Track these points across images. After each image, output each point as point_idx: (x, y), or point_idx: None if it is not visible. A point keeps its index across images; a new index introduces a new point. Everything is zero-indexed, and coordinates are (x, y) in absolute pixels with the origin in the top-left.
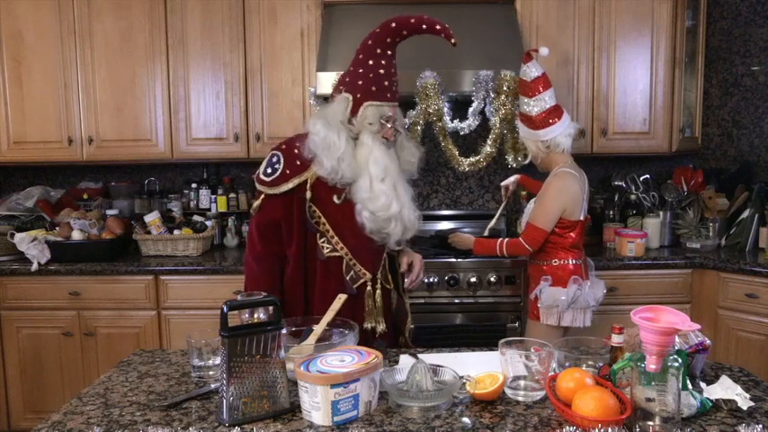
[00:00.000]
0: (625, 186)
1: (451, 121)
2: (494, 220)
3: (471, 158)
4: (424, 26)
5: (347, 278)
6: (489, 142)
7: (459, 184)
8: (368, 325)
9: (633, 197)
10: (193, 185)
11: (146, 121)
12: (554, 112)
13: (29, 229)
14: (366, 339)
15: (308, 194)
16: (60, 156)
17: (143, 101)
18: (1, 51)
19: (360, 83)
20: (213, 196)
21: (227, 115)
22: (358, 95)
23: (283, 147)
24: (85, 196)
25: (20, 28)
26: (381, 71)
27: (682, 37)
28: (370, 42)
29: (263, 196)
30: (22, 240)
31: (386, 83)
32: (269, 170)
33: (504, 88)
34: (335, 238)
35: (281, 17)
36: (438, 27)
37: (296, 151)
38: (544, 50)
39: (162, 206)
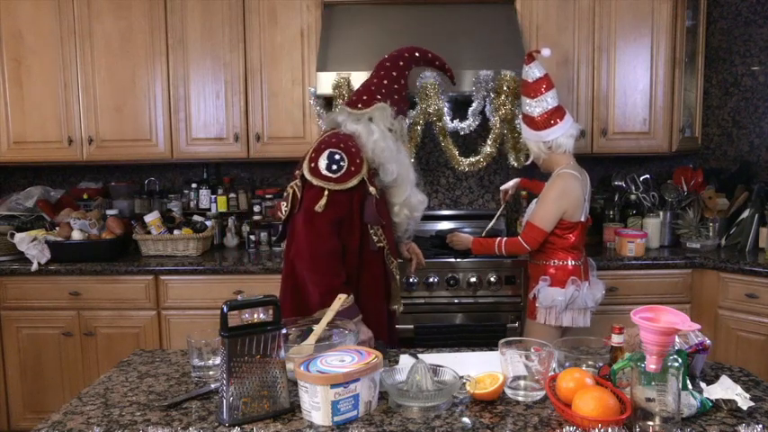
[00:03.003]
0: (625, 186)
1: (451, 121)
2: (492, 223)
3: (471, 158)
4: (437, 63)
5: (389, 264)
6: (489, 142)
7: (459, 184)
8: (395, 306)
9: (633, 197)
10: (193, 185)
11: (146, 121)
12: (556, 113)
13: (29, 229)
14: (391, 321)
15: (373, 190)
16: (60, 156)
17: (143, 101)
18: (1, 51)
19: (395, 97)
20: (213, 196)
21: (227, 115)
22: (395, 108)
23: (341, 145)
24: (85, 196)
25: (20, 28)
26: (404, 93)
27: (682, 37)
28: (401, 63)
29: (326, 192)
30: (22, 240)
31: (404, 104)
32: (334, 167)
33: (504, 88)
34: (380, 229)
35: (281, 17)
36: (447, 66)
37: (353, 150)
38: (546, 51)
39: (162, 206)
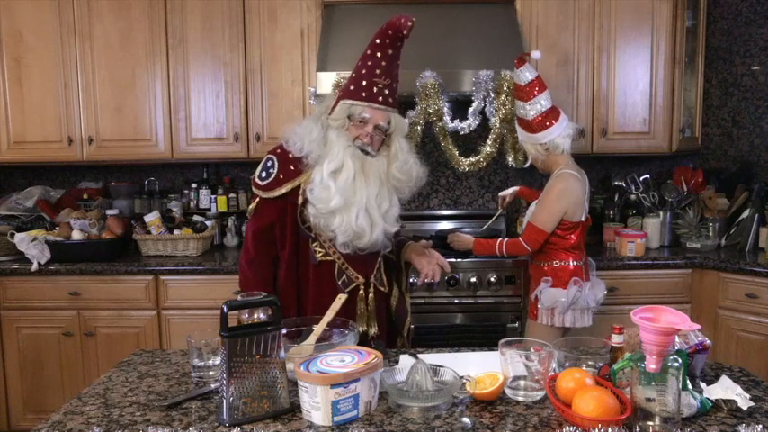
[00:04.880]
0: (625, 186)
1: (451, 121)
2: (488, 224)
3: (471, 158)
4: (398, 23)
5: (339, 282)
6: (489, 142)
7: (459, 184)
8: (360, 328)
9: (633, 197)
10: (193, 185)
11: (146, 121)
12: (551, 114)
13: (29, 229)
14: (359, 342)
15: (300, 199)
16: (60, 156)
17: (143, 101)
18: (1, 51)
19: (345, 83)
20: (213, 196)
21: (226, 115)
22: (339, 93)
23: (278, 151)
24: (85, 196)
25: (20, 28)
26: (364, 71)
27: (682, 37)
28: (365, 46)
29: (257, 199)
30: (22, 240)
31: (364, 83)
32: (263, 174)
33: (504, 88)
34: (328, 242)
35: (281, 17)
36: (410, 23)
37: (289, 156)
38: (536, 54)
39: (162, 206)
